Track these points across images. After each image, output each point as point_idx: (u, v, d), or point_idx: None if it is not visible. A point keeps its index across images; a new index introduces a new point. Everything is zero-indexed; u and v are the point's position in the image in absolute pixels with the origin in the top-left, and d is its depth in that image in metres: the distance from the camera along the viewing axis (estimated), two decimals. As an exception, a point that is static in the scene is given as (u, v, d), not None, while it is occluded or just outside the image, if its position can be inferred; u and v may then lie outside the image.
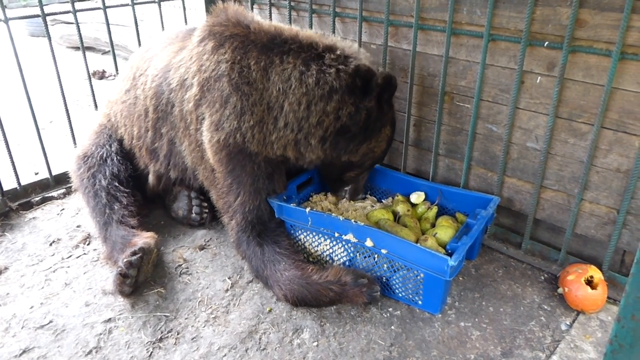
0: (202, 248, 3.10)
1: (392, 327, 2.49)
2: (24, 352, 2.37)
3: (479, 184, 3.10)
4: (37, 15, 3.41)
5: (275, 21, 3.48)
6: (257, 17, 2.87)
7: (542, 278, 2.82)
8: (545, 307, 2.62)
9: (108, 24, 3.74)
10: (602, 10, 2.32)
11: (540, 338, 2.43)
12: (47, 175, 3.69)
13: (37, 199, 3.60)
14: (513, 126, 2.81)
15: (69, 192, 3.70)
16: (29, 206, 3.54)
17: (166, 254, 3.05)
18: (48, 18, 3.43)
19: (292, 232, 2.89)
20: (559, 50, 2.50)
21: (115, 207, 3.05)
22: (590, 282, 2.54)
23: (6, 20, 3.20)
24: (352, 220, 2.63)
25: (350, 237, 2.63)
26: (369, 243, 2.57)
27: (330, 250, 2.78)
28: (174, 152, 3.06)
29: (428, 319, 2.54)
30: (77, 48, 7.73)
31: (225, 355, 2.35)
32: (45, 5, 3.40)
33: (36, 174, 3.97)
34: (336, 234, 2.69)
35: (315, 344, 2.40)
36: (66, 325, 2.52)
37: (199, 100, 2.72)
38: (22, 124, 4.57)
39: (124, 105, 3.23)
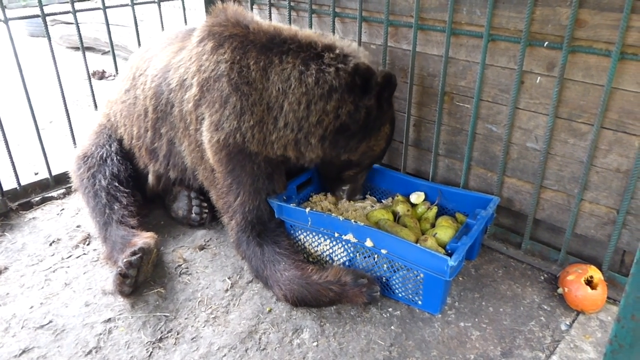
0: (202, 248, 3.10)
1: (392, 327, 2.49)
2: (23, 352, 2.37)
3: (479, 184, 3.10)
4: (37, 16, 3.41)
5: (275, 21, 3.48)
6: (257, 17, 2.87)
7: (542, 278, 2.82)
8: (545, 307, 2.62)
9: (108, 24, 3.74)
10: (601, 10, 2.32)
11: (540, 338, 2.43)
12: (47, 176, 3.69)
13: (37, 199, 3.60)
14: (513, 126, 2.81)
15: (68, 192, 3.70)
16: (28, 206, 3.54)
17: (166, 254, 3.05)
18: (48, 18, 3.43)
19: (292, 232, 2.89)
20: (558, 50, 2.50)
21: (115, 207, 3.05)
22: (590, 282, 2.54)
23: (6, 21, 3.20)
24: (352, 221, 2.63)
25: (350, 237, 2.63)
26: (368, 243, 2.57)
27: (330, 251, 2.78)
28: (173, 152, 3.06)
29: (428, 319, 2.54)
30: (77, 48, 7.73)
31: (225, 355, 2.35)
32: (45, 5, 3.40)
33: (36, 174, 3.97)
34: (336, 234, 2.69)
35: (315, 344, 2.40)
36: (66, 325, 2.52)
37: (199, 101, 2.72)
38: (22, 124, 4.57)
39: (124, 105, 3.23)
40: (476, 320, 2.54)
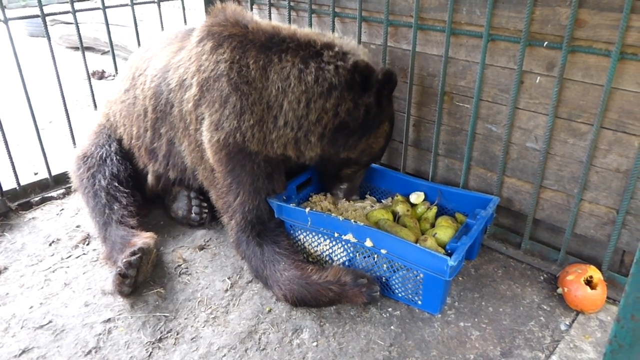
0: (201, 248, 3.10)
1: (392, 327, 2.49)
2: (23, 352, 2.37)
3: (479, 184, 3.10)
4: (37, 16, 3.41)
5: (275, 21, 3.48)
6: (256, 17, 2.87)
7: (542, 278, 2.82)
8: (545, 307, 2.62)
9: (107, 24, 3.74)
10: (601, 10, 2.32)
11: (539, 338, 2.43)
12: (46, 176, 3.69)
13: (36, 199, 3.60)
14: (512, 126, 2.81)
15: (68, 192, 3.70)
16: (28, 206, 3.54)
17: (166, 254, 3.05)
18: (47, 18, 3.43)
19: (291, 232, 2.89)
20: (558, 50, 2.50)
21: (115, 207, 3.04)
22: (589, 282, 2.54)
23: (6, 21, 3.20)
24: (352, 221, 2.63)
25: (349, 237, 2.63)
26: (368, 243, 2.57)
27: (330, 251, 2.78)
28: (173, 152, 3.06)
29: (427, 319, 2.54)
30: (77, 48, 7.73)
31: (224, 355, 2.35)
32: (44, 5, 3.40)
33: (35, 174, 3.97)
34: (336, 234, 2.69)
35: (314, 344, 2.40)
36: (65, 325, 2.52)
37: (198, 101, 2.72)
38: (22, 124, 4.57)
39: (123, 105, 3.23)
40: (476, 320, 2.54)
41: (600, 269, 2.65)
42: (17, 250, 3.09)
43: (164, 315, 2.58)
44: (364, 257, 2.66)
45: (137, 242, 2.78)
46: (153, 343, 2.42)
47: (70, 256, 3.04)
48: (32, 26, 9.00)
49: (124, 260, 2.61)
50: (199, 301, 2.67)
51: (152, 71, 3.02)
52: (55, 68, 3.49)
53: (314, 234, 2.80)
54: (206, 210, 3.26)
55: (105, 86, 5.97)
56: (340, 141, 2.67)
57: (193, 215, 3.25)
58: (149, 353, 2.36)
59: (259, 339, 2.44)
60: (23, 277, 2.86)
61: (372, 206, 3.13)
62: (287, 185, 2.94)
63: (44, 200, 3.62)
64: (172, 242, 3.18)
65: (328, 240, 2.77)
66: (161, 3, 4.04)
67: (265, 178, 2.76)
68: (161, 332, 2.48)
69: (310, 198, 3.15)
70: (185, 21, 4.27)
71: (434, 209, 3.04)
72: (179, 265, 2.94)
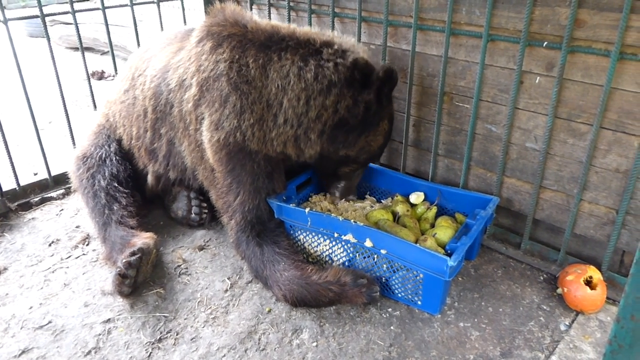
0: (201, 248, 3.10)
1: (392, 328, 2.49)
2: (23, 352, 2.37)
3: (478, 184, 3.10)
4: (36, 16, 3.41)
5: (274, 21, 3.48)
6: (255, 17, 2.87)
7: (542, 278, 2.82)
8: (545, 307, 2.62)
9: (107, 25, 3.74)
10: (600, 11, 2.32)
11: (539, 338, 2.43)
12: (46, 176, 3.69)
13: (36, 199, 3.59)
14: (512, 126, 2.81)
15: (68, 193, 3.70)
16: (28, 207, 3.54)
17: (165, 255, 3.05)
18: (47, 19, 3.43)
19: (291, 232, 2.89)
20: (558, 50, 2.50)
21: (115, 208, 3.04)
22: (589, 283, 2.54)
23: (5, 21, 3.20)
24: (352, 221, 2.63)
25: (349, 237, 2.63)
26: (368, 243, 2.57)
27: (330, 251, 2.78)
28: (173, 153, 3.06)
29: (427, 319, 2.54)
30: (76, 48, 7.72)
31: (224, 355, 2.35)
32: (44, 5, 3.40)
33: (35, 174, 3.97)
34: (335, 235, 2.69)
35: (314, 344, 2.40)
36: (65, 325, 2.52)
37: (198, 101, 2.72)
38: (21, 125, 4.56)
39: (123, 105, 3.23)
40: (475, 320, 2.54)
41: (600, 269, 2.65)
42: (17, 251, 3.09)
43: (164, 316, 2.58)
44: (364, 258, 2.66)
45: (136, 242, 2.78)
46: (153, 343, 2.42)
47: (69, 256, 3.04)
48: (31, 26, 9.01)
49: (124, 260, 2.61)
50: (198, 301, 2.67)
51: (151, 71, 3.02)
52: (55, 68, 3.49)
53: (313, 234, 2.80)
54: (206, 211, 3.26)
55: (105, 86, 5.97)
56: (340, 138, 2.67)
57: (193, 215, 3.25)
58: (148, 353, 2.36)
59: (259, 339, 2.44)
60: (23, 278, 2.86)
61: (372, 206, 3.13)
62: (287, 185, 2.94)
63: (44, 201, 3.62)
64: (172, 242, 3.18)
65: (328, 241, 2.77)
66: (161, 3, 4.04)
67: (265, 177, 2.76)
68: (161, 333, 2.48)
69: (310, 198, 3.15)
70: (184, 21, 4.27)
71: (434, 209, 3.04)
72: (179, 266, 2.94)
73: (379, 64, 3.19)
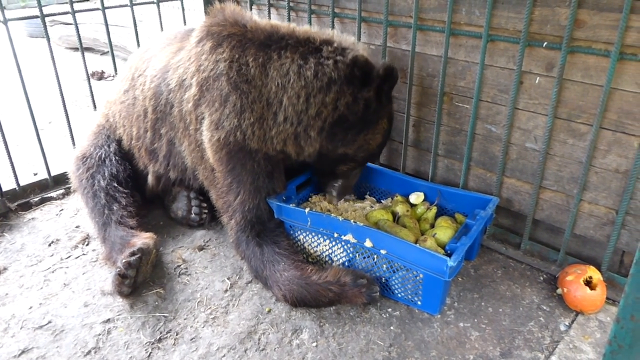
0: (201, 248, 3.10)
1: (391, 328, 2.49)
2: (22, 352, 2.37)
3: (478, 184, 3.10)
4: (36, 16, 3.41)
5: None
6: (255, 17, 2.88)
7: (541, 278, 2.82)
8: (544, 307, 2.62)
9: (107, 25, 3.74)
10: (600, 11, 2.33)
11: (539, 339, 2.43)
12: (46, 176, 3.69)
13: (36, 199, 3.59)
14: (512, 127, 2.81)
15: (67, 193, 3.70)
16: (28, 207, 3.54)
17: (165, 255, 3.05)
18: (47, 19, 3.43)
19: (291, 232, 2.89)
20: (557, 50, 2.50)
21: (114, 208, 3.04)
22: (589, 283, 2.54)
23: (5, 22, 3.20)
24: (352, 221, 2.63)
25: (349, 237, 2.63)
26: (368, 243, 2.57)
27: (330, 251, 2.78)
28: (173, 153, 3.06)
29: (427, 319, 2.54)
30: (76, 49, 7.71)
31: (224, 355, 2.35)
32: (44, 6, 3.40)
33: (35, 174, 3.97)
34: (335, 235, 2.69)
35: (314, 344, 2.40)
36: (65, 325, 2.52)
37: (198, 100, 2.72)
38: (21, 125, 4.56)
39: (123, 105, 3.23)
40: (475, 320, 2.54)
41: (599, 270, 2.65)
42: (17, 251, 3.09)
43: (164, 316, 2.58)
44: (364, 258, 2.66)
45: (136, 242, 2.78)
46: (152, 343, 2.42)
47: (69, 256, 3.04)
48: (31, 27, 9.01)
49: (124, 260, 2.61)
50: (198, 301, 2.67)
51: (151, 72, 3.02)
52: (55, 69, 3.49)
53: (313, 234, 2.80)
54: (206, 211, 3.26)
55: (105, 87, 5.97)
56: (339, 136, 2.67)
57: (193, 215, 3.25)
58: (148, 353, 2.36)
59: (259, 339, 2.44)
60: (22, 278, 2.86)
61: (372, 206, 3.13)
62: (287, 185, 2.94)
63: (44, 201, 3.62)
64: (172, 242, 3.18)
65: (328, 241, 2.77)
66: (160, 4, 4.04)
67: (265, 177, 2.76)
68: (160, 333, 2.48)
69: (310, 198, 3.15)
70: (184, 22, 4.27)
71: (434, 210, 3.04)
72: (179, 266, 2.94)
73: (379, 63, 3.20)
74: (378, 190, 3.35)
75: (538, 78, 2.63)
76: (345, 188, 3.06)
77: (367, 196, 3.32)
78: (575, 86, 2.52)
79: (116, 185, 3.14)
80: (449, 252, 2.50)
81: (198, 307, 2.64)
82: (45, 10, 3.36)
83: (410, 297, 2.59)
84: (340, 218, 2.66)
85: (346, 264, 2.74)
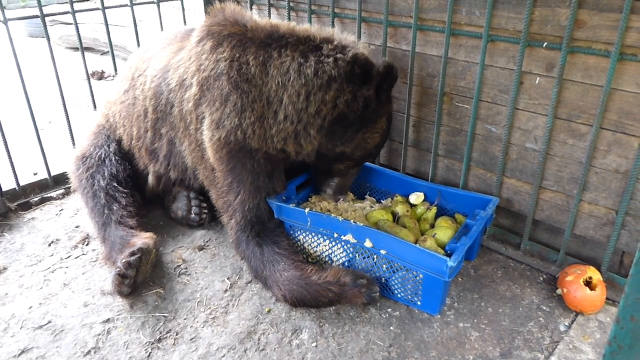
0: (201, 248, 3.09)
1: (391, 328, 2.49)
2: (22, 352, 2.37)
3: (478, 184, 3.10)
4: (36, 16, 3.41)
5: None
6: (255, 17, 2.88)
7: (541, 279, 2.82)
8: (544, 308, 2.62)
9: (107, 25, 3.74)
10: (600, 11, 2.33)
11: (539, 339, 2.43)
12: (45, 176, 3.69)
13: (35, 199, 3.59)
14: (512, 127, 2.81)
15: (67, 193, 3.70)
16: (27, 206, 3.54)
17: (165, 255, 3.05)
18: (47, 19, 3.43)
19: (291, 232, 2.89)
20: (557, 51, 2.50)
21: (114, 208, 3.04)
22: (589, 283, 2.54)
23: (5, 21, 3.20)
24: (351, 221, 2.63)
25: (349, 237, 2.63)
26: (368, 244, 2.57)
27: (330, 251, 2.78)
28: (173, 153, 3.06)
29: (427, 319, 2.54)
30: (76, 48, 7.71)
31: (224, 355, 2.35)
32: (44, 6, 3.40)
33: (35, 174, 3.97)
34: (335, 235, 2.69)
35: (314, 344, 2.40)
36: (65, 325, 2.52)
37: (199, 100, 2.72)
38: (21, 125, 4.56)
39: (123, 105, 3.23)
40: (475, 320, 2.54)
41: (599, 270, 2.65)
42: (17, 251, 3.09)
43: (163, 316, 2.58)
44: (364, 258, 2.66)
45: (136, 242, 2.78)
46: (152, 343, 2.42)
47: (69, 256, 3.04)
48: (31, 26, 9.01)
49: (123, 260, 2.61)
50: (198, 301, 2.67)
51: (151, 71, 3.02)
52: (55, 68, 3.49)
53: (313, 234, 2.80)
54: (205, 211, 3.26)
55: (105, 87, 5.97)
56: (338, 134, 2.67)
57: (192, 215, 3.25)
58: (148, 353, 2.36)
59: (258, 339, 2.44)
60: (22, 277, 2.86)
61: (372, 207, 3.13)
62: (286, 185, 2.94)
63: (44, 201, 3.62)
64: (172, 242, 3.18)
65: (327, 241, 2.77)
66: (161, 3, 4.04)
67: (265, 176, 2.76)
68: (160, 333, 2.48)
69: (309, 198, 3.15)
70: (184, 21, 4.27)
71: (434, 210, 3.04)
72: (179, 266, 2.94)
73: (379, 62, 3.20)
74: (378, 190, 3.35)
75: (538, 78, 2.63)
76: (341, 187, 3.04)
77: (367, 196, 3.32)
78: (576, 86, 2.52)
79: (116, 185, 3.14)
80: (448, 252, 2.50)
81: (198, 307, 2.64)
82: (45, 10, 3.36)
83: (410, 297, 2.59)
84: (340, 218, 2.66)
85: (346, 264, 2.74)
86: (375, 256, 2.61)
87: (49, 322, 2.54)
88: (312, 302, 2.55)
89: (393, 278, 2.59)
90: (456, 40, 2.89)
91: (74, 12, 3.52)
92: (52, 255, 3.04)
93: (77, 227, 3.32)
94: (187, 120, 2.84)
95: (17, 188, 3.54)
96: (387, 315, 2.57)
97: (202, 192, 3.20)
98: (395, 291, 2.62)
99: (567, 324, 2.51)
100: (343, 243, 2.69)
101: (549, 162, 2.74)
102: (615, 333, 1.39)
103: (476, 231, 2.62)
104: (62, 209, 3.54)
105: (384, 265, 2.59)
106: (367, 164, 3.25)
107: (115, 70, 3.90)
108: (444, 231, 2.77)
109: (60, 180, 3.70)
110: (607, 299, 2.59)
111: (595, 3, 2.33)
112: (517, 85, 2.69)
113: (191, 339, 2.44)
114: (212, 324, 2.53)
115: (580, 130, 2.58)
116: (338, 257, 2.76)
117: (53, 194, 3.68)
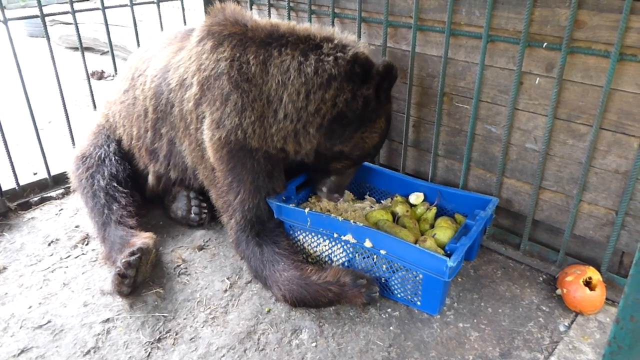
0: (200, 248, 3.09)
1: (391, 328, 2.49)
2: (22, 352, 2.37)
3: (478, 184, 3.10)
4: (36, 16, 3.41)
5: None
6: (255, 16, 2.88)
7: (541, 279, 2.82)
8: (544, 308, 2.62)
9: (107, 25, 3.74)
10: (600, 12, 2.33)
11: (538, 339, 2.43)
12: (45, 176, 3.69)
13: (35, 199, 3.59)
14: (512, 127, 2.81)
15: (67, 193, 3.70)
16: (27, 206, 3.54)
17: (165, 255, 3.05)
18: (47, 19, 3.43)
19: (291, 232, 2.89)
20: (557, 51, 2.50)
21: (114, 208, 3.04)
22: (588, 284, 2.54)
23: (5, 21, 3.20)
24: (351, 221, 2.63)
25: (349, 237, 2.63)
26: (368, 244, 2.57)
27: (330, 251, 2.78)
28: (174, 152, 3.06)
29: (427, 319, 2.54)
30: (76, 48, 7.71)
31: (223, 355, 2.35)
32: (44, 5, 3.40)
33: (35, 174, 3.97)
34: (335, 235, 2.69)
35: (314, 344, 2.40)
36: (64, 325, 2.52)
37: (199, 100, 2.72)
38: (21, 125, 4.56)
39: (123, 105, 3.23)
40: (475, 321, 2.54)
41: (599, 270, 2.65)
42: (16, 250, 3.09)
43: (163, 316, 2.58)
44: (364, 258, 2.66)
45: (136, 242, 2.78)
46: (152, 343, 2.42)
47: (69, 256, 3.04)
48: (31, 26, 9.01)
49: (123, 260, 2.61)
50: (198, 301, 2.67)
51: (152, 71, 3.02)
52: (55, 68, 3.49)
53: (313, 234, 2.80)
54: (205, 211, 3.26)
55: (105, 87, 5.97)
56: (337, 133, 2.67)
57: (192, 215, 3.25)
58: (147, 353, 2.36)
59: (258, 339, 2.44)
60: (22, 277, 2.86)
61: (372, 207, 3.13)
62: (286, 185, 2.94)
63: (43, 200, 3.62)
64: (171, 242, 3.18)
65: (327, 241, 2.77)
66: (161, 3, 4.04)
67: (265, 176, 2.76)
68: (160, 333, 2.48)
69: (309, 199, 3.15)
70: (184, 21, 4.27)
71: (434, 210, 3.04)
72: (178, 266, 2.94)
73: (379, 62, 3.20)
74: (378, 190, 3.35)
75: (538, 79, 2.64)
76: (337, 186, 3.00)
77: (366, 196, 3.32)
78: (575, 87, 2.52)
79: (116, 185, 3.14)
80: (448, 252, 2.50)
81: (197, 307, 2.63)
82: (45, 10, 3.36)
83: (409, 297, 2.59)
84: (340, 218, 2.66)
85: (346, 264, 2.74)
86: (375, 256, 2.61)
87: (49, 321, 2.54)
88: (311, 302, 2.55)
89: (393, 278, 2.59)
90: (456, 41, 2.89)
91: (74, 12, 3.53)
92: (51, 255, 3.04)
93: (76, 226, 3.32)
94: (187, 120, 2.84)
95: (17, 188, 3.54)
96: (387, 315, 2.57)
97: (202, 192, 3.20)
98: (395, 291, 2.62)
99: (566, 324, 2.51)
100: (343, 243, 2.69)
101: (548, 162, 2.74)
102: (615, 333, 1.39)
103: (476, 231, 2.62)
104: (61, 209, 3.54)
105: (384, 266, 2.59)
106: (367, 164, 3.25)
107: (115, 70, 3.90)
108: (444, 231, 2.77)
109: (60, 180, 3.70)
110: (606, 299, 2.59)
111: (595, 3, 2.33)
112: (517, 85, 2.69)
113: (191, 339, 2.44)
114: (211, 323, 2.53)
115: (580, 131, 2.58)
116: (338, 257, 2.76)
117: (53, 193, 3.68)
